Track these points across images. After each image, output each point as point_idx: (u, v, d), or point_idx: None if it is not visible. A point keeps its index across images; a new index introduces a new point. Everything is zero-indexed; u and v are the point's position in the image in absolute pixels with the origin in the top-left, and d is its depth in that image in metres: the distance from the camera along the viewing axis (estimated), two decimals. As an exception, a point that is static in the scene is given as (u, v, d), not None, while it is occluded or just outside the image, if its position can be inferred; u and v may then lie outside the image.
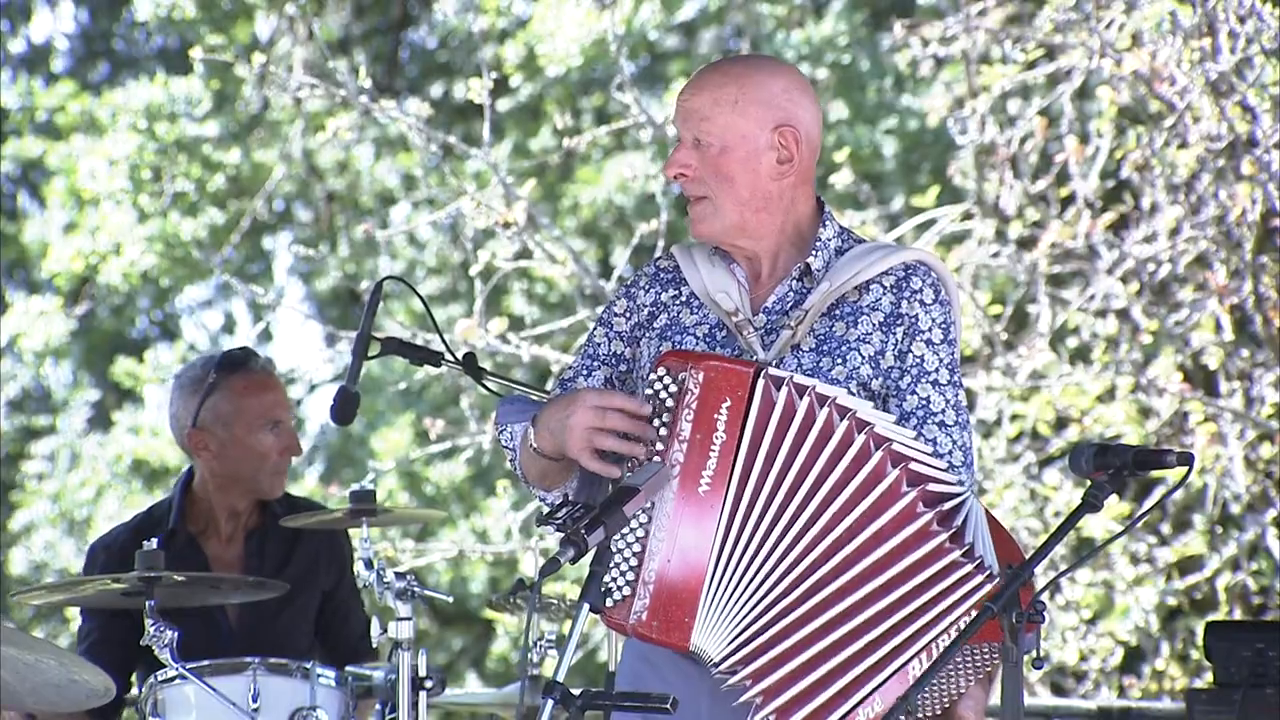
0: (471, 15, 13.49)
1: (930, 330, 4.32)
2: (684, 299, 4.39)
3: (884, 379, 4.29)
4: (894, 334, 4.30)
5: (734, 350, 4.30)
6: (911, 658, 4.06)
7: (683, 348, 4.31)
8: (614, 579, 4.15)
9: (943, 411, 4.30)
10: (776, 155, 4.33)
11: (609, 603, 4.14)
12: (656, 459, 4.13)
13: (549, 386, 4.56)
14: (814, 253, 4.35)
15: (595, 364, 4.44)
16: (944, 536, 4.09)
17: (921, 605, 4.08)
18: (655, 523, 4.13)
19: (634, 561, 4.14)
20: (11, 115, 15.03)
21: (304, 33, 14.33)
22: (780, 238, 4.38)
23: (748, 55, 4.48)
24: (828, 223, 4.40)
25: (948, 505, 4.11)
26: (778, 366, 4.24)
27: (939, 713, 4.13)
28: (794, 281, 4.35)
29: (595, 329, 4.47)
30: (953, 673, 4.10)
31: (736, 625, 4.10)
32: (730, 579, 4.11)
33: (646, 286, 4.43)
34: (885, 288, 4.33)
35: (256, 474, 6.02)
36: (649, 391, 4.18)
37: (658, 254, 4.58)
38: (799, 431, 4.11)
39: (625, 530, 4.14)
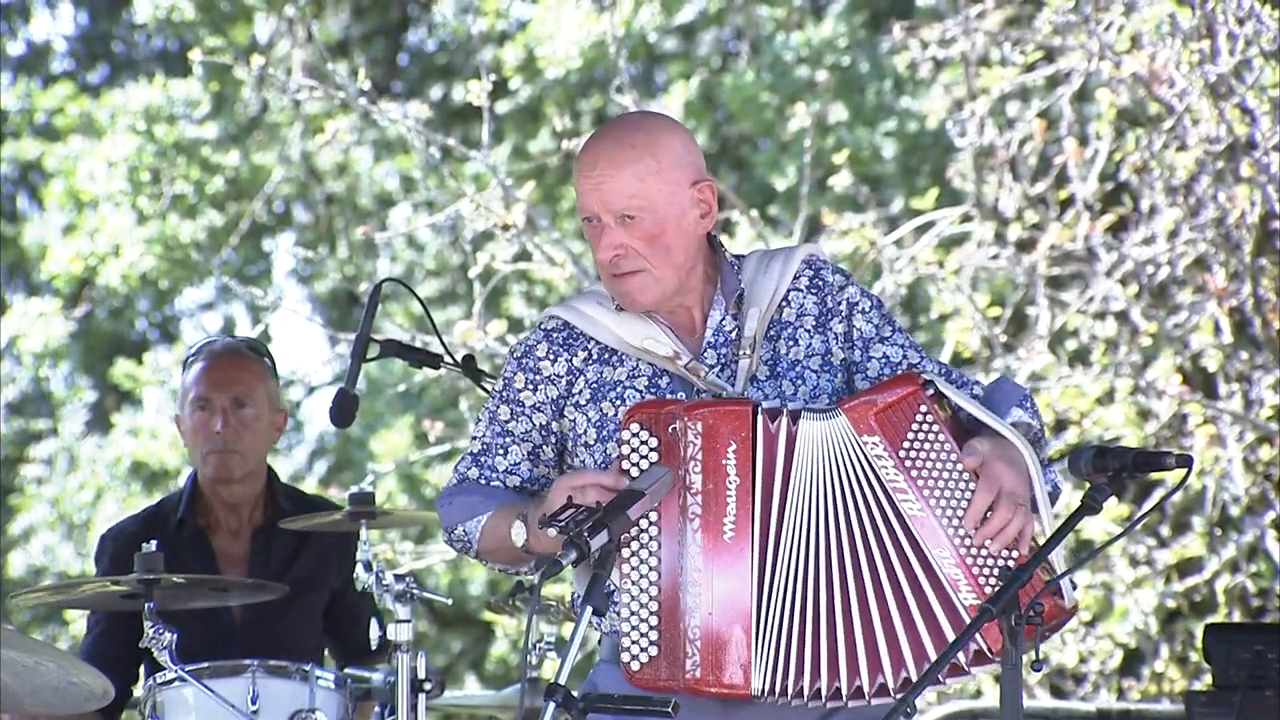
0: (471, 17, 13.49)
1: (860, 301, 4.39)
2: (597, 357, 4.36)
3: (843, 373, 4.36)
4: (832, 329, 4.36)
5: (692, 393, 4.29)
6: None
7: (628, 404, 4.28)
8: (634, 640, 4.14)
9: (903, 359, 4.36)
10: (699, 211, 4.34)
11: (634, 666, 4.13)
12: (660, 465, 4.13)
13: (451, 474, 4.50)
14: (739, 279, 4.38)
15: (509, 440, 4.38)
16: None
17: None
18: (685, 578, 4.12)
19: (653, 621, 4.13)
20: (10, 117, 15.03)
21: (303, 35, 14.34)
22: (703, 284, 4.39)
23: (637, 118, 4.43)
24: (720, 245, 4.44)
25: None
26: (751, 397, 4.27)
27: (970, 494, 4.13)
28: (729, 308, 4.36)
29: (499, 408, 4.38)
30: (933, 468, 4.14)
31: (794, 654, 4.12)
32: (776, 615, 4.12)
33: (549, 355, 4.37)
34: (803, 291, 4.39)
35: (194, 454, 6.04)
36: (626, 450, 4.16)
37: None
38: (802, 455, 4.14)
39: (641, 583, 4.14)
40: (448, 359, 5.38)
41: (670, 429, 4.15)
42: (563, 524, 4.00)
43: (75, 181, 14.15)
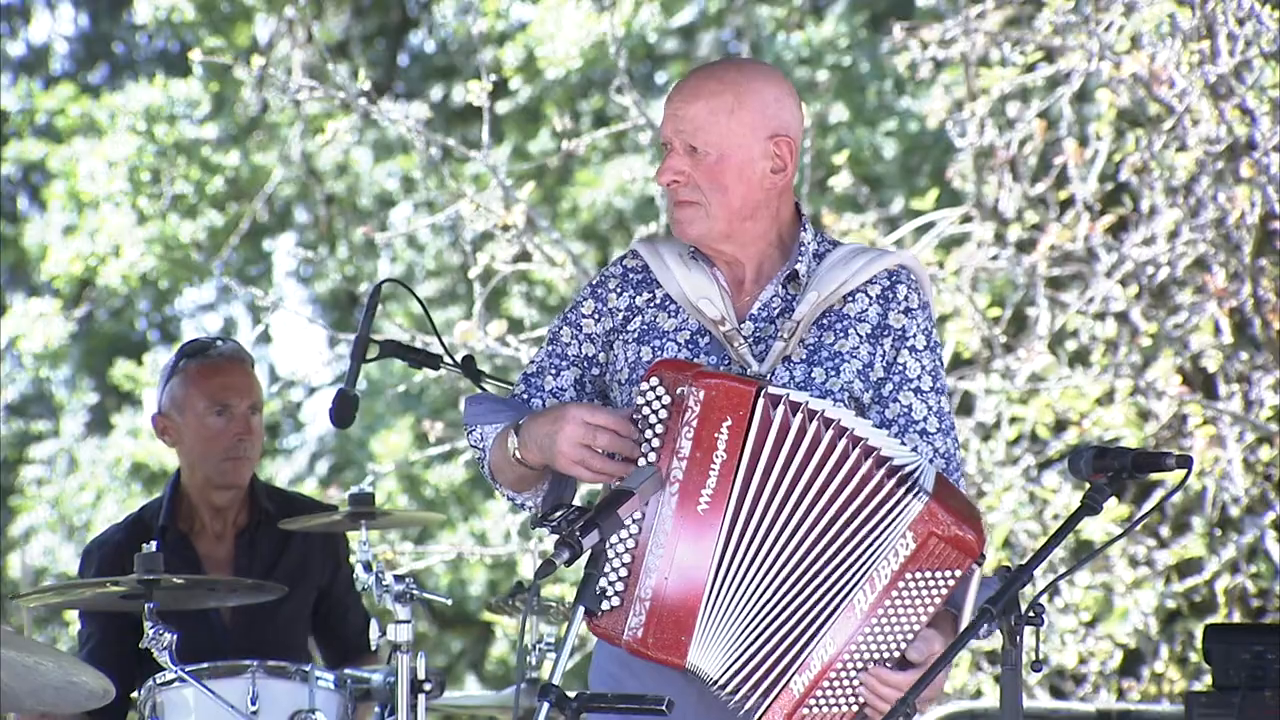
0: (471, 18, 13.49)
1: (915, 337, 4.35)
2: (658, 301, 4.38)
3: (873, 390, 4.32)
4: (882, 345, 4.33)
5: (721, 358, 4.30)
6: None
7: (664, 354, 4.31)
8: (610, 583, 4.15)
9: (924, 419, 4.33)
10: (770, 164, 4.34)
11: (605, 606, 4.13)
12: (649, 464, 4.13)
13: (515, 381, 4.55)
14: (799, 258, 4.36)
15: (564, 363, 4.42)
16: (892, 483, 4.11)
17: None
18: (652, 539, 4.12)
19: (624, 572, 4.15)
20: (11, 118, 15.03)
21: (303, 35, 14.34)
22: (764, 244, 4.38)
23: (739, 60, 4.50)
24: (807, 227, 4.41)
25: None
26: (770, 378, 4.26)
27: (898, 654, 4.14)
28: (779, 287, 4.35)
29: (561, 328, 4.44)
30: (904, 607, 4.12)
31: (735, 645, 4.12)
32: (728, 598, 4.11)
33: (617, 289, 4.41)
34: (871, 298, 4.35)
35: (206, 459, 6.02)
36: (640, 401, 4.17)
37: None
38: (791, 448, 4.11)
39: (623, 535, 4.14)
40: (447, 360, 5.38)
41: (678, 391, 4.14)
42: (555, 524, 4.00)
43: (76, 182, 14.15)
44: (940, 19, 9.80)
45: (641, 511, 4.12)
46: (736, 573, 4.11)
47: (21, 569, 15.01)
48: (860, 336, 4.32)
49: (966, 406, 9.71)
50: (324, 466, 15.65)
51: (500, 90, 13.07)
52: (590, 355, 4.41)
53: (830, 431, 4.11)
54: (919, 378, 4.34)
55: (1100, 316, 9.24)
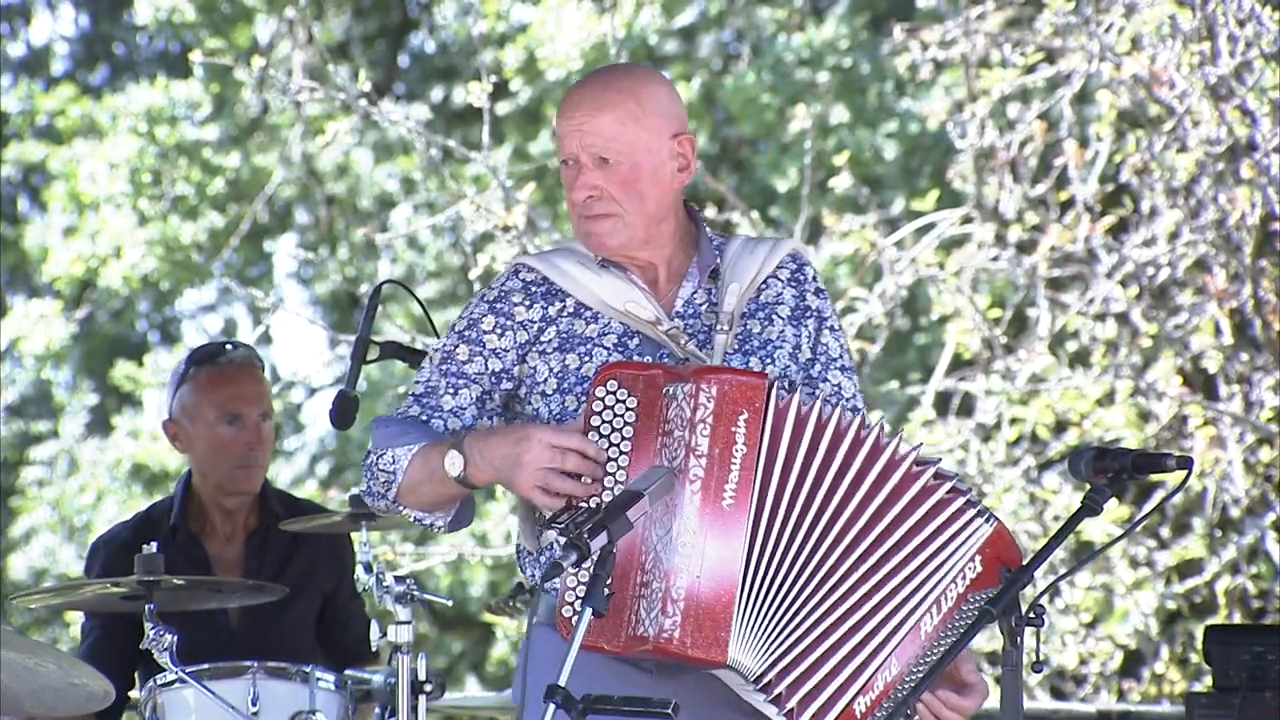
0: (471, 19, 13.49)
1: (830, 318, 4.44)
2: (572, 310, 4.35)
3: (803, 372, 4.37)
4: (805, 326, 4.39)
5: (656, 357, 4.28)
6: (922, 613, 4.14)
7: (594, 359, 4.28)
8: (579, 595, 4.08)
9: (853, 397, 4.40)
10: (677, 164, 4.36)
11: (576, 620, 4.02)
12: (661, 465, 4.12)
13: (406, 404, 4.44)
14: (717, 252, 4.40)
15: (461, 381, 4.33)
16: (963, 502, 4.15)
17: (936, 565, 4.15)
18: (676, 539, 4.08)
19: (583, 578, 4.10)
20: (12, 119, 15.04)
21: (304, 36, 14.34)
22: (673, 244, 4.40)
23: (623, 67, 4.55)
24: (698, 219, 4.45)
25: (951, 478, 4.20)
26: None
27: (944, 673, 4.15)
28: (702, 282, 4.37)
29: (457, 347, 4.35)
30: (956, 626, 4.15)
31: (773, 636, 4.09)
32: (763, 590, 4.09)
33: (524, 302, 4.35)
34: (783, 282, 4.41)
35: (217, 467, 6.02)
36: (598, 407, 4.14)
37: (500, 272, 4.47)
38: (814, 436, 4.12)
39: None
40: (448, 361, 5.37)
41: (664, 391, 4.12)
42: (563, 525, 3.99)
43: (76, 184, 14.16)
44: (940, 20, 9.80)
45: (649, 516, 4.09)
46: (770, 565, 4.09)
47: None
48: (783, 320, 4.38)
49: (967, 407, 9.72)
50: (324, 468, 15.66)
51: (501, 91, 13.07)
52: (499, 370, 4.34)
53: (855, 420, 4.14)
54: (840, 356, 4.43)
55: (1101, 317, 9.24)
